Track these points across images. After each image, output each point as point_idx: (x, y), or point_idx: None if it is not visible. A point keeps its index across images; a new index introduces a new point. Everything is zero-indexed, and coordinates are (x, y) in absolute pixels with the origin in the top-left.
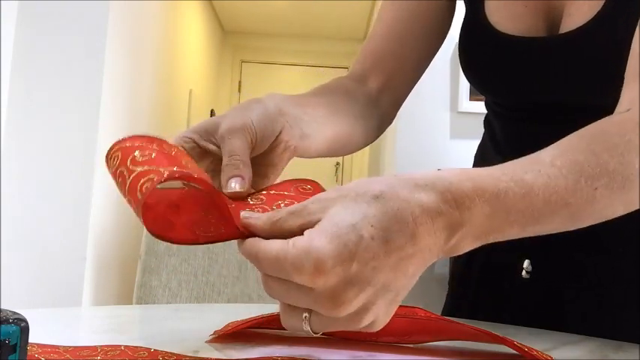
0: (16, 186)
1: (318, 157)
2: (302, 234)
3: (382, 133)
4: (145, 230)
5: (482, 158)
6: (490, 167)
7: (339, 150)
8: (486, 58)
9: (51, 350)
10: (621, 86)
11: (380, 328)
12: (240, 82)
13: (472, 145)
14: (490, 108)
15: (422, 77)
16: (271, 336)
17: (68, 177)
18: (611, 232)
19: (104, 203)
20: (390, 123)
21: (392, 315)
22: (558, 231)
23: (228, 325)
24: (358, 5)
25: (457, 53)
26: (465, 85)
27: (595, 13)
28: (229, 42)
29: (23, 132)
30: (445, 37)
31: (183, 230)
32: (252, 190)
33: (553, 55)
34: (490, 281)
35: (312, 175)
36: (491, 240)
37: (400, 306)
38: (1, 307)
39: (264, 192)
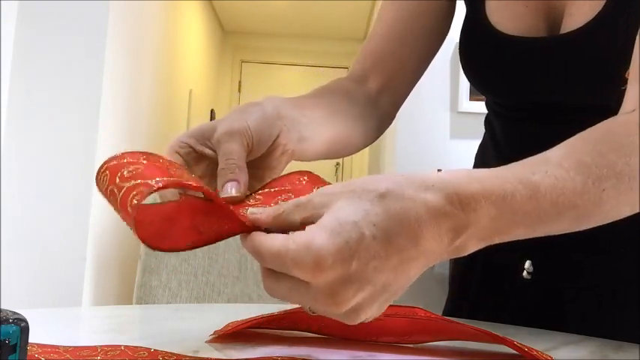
0: (16, 186)
1: (316, 159)
2: (304, 228)
3: (382, 133)
4: None
5: (483, 158)
6: (496, 168)
7: (338, 152)
8: (487, 58)
9: (51, 350)
10: (621, 86)
11: (369, 321)
12: (240, 82)
13: (472, 145)
14: (490, 108)
15: (422, 77)
16: (271, 336)
17: (68, 177)
18: (611, 232)
19: (104, 203)
20: (390, 124)
21: (382, 311)
22: (564, 232)
23: (228, 325)
24: (358, 5)
25: (457, 53)
26: (464, 85)
27: (596, 13)
28: (229, 42)
29: (23, 132)
30: (445, 37)
31: (184, 233)
32: (249, 193)
33: (554, 55)
34: (491, 282)
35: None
36: (496, 241)
37: (400, 306)
38: (1, 307)
39: (259, 191)
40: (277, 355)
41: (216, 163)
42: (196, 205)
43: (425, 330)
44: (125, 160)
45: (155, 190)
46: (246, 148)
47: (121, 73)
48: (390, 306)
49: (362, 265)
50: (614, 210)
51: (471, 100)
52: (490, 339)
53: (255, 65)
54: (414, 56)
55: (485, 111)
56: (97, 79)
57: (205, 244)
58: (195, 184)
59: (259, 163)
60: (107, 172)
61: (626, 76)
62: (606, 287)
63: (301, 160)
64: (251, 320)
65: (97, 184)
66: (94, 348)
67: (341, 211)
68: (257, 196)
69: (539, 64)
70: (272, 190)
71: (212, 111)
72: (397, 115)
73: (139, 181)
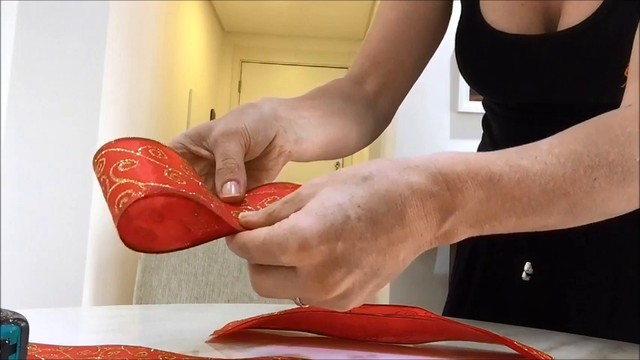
0: (16, 186)
1: (314, 160)
2: None
3: (380, 134)
4: None
5: None
6: (483, 152)
7: (336, 153)
8: (483, 57)
9: (51, 350)
10: (620, 84)
11: (355, 307)
12: (240, 82)
13: (472, 145)
14: (488, 108)
15: (422, 77)
16: (271, 336)
17: (68, 177)
18: (610, 232)
19: (104, 203)
20: (388, 124)
21: (371, 297)
22: (559, 227)
23: (228, 325)
24: (358, 5)
25: None
26: (464, 85)
27: (594, 10)
28: (229, 42)
29: (23, 132)
30: (442, 37)
31: (172, 232)
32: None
33: (551, 53)
34: (491, 282)
35: (312, 175)
36: (487, 230)
37: (400, 306)
38: (1, 307)
39: (245, 194)
40: (277, 355)
41: (213, 165)
42: (187, 203)
43: (425, 330)
44: (122, 150)
45: (143, 197)
46: (244, 149)
47: (121, 74)
48: (390, 306)
49: (348, 246)
50: (608, 203)
51: (471, 100)
52: (490, 339)
53: (255, 65)
54: (412, 57)
55: (484, 111)
56: (97, 79)
57: (193, 245)
58: (186, 192)
59: (256, 165)
60: (104, 159)
61: (626, 74)
62: (606, 287)
63: (299, 161)
64: (251, 320)
65: (94, 167)
66: (94, 348)
67: (325, 195)
68: (244, 199)
69: (536, 62)
70: (258, 193)
71: (212, 111)
72: (397, 115)
73: (131, 181)
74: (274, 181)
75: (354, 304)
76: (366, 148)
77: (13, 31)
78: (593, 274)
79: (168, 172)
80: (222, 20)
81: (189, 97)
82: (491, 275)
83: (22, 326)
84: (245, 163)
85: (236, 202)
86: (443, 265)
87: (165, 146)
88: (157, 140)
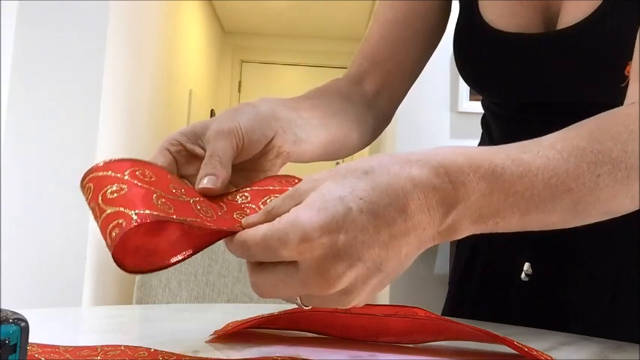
0: (16, 186)
1: (313, 161)
2: None
3: (379, 134)
4: None
5: None
6: (486, 147)
7: (335, 153)
8: (482, 57)
9: (51, 350)
10: (619, 83)
11: (359, 306)
12: (240, 82)
13: (472, 145)
14: (487, 108)
15: (422, 77)
16: (271, 336)
17: (68, 177)
18: (611, 232)
19: None
20: (387, 124)
21: (374, 295)
22: (562, 226)
23: (228, 325)
24: (358, 5)
25: None
26: (465, 85)
27: (594, 9)
28: (229, 42)
29: (23, 132)
30: (441, 36)
31: (174, 237)
32: (234, 190)
33: (550, 52)
34: (491, 282)
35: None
36: (490, 227)
37: (400, 306)
38: (1, 307)
39: (247, 189)
40: (277, 355)
41: None
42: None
43: (425, 330)
44: (110, 173)
45: (136, 226)
46: (235, 149)
47: (121, 74)
48: (390, 306)
49: (350, 238)
50: (612, 201)
51: (471, 100)
52: (490, 339)
53: (255, 65)
54: (411, 57)
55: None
56: (97, 79)
57: (195, 252)
58: (177, 217)
59: (253, 165)
60: (91, 184)
61: (626, 73)
62: (606, 287)
63: (297, 162)
64: (251, 320)
65: (82, 191)
66: (94, 348)
67: (326, 189)
68: (245, 194)
69: (535, 61)
70: (261, 188)
71: (212, 111)
72: (397, 115)
73: (120, 209)
74: (277, 174)
75: (356, 300)
76: (366, 149)
77: (13, 31)
78: (593, 273)
79: (157, 197)
80: (222, 20)
81: (189, 97)
82: (491, 274)
83: (22, 326)
84: (242, 163)
85: (237, 204)
86: (443, 265)
87: (152, 164)
88: (143, 160)
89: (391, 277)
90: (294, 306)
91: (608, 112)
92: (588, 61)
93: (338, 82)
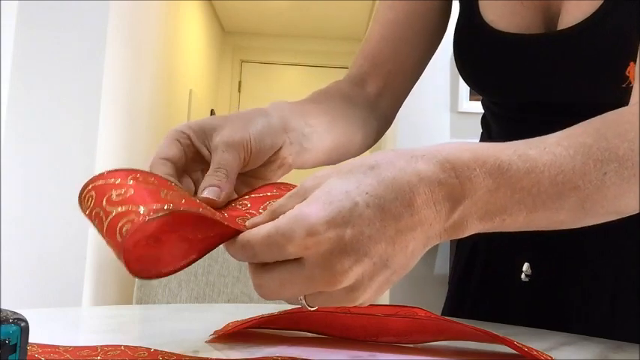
0: (16, 186)
1: (315, 167)
2: None
3: (381, 136)
4: None
5: None
6: (491, 143)
7: (339, 158)
8: (482, 57)
9: (51, 350)
10: (619, 84)
11: (366, 305)
12: (240, 82)
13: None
14: (487, 108)
15: (422, 78)
16: (271, 336)
17: (68, 177)
18: (611, 232)
19: None
20: (389, 125)
21: (382, 294)
22: (570, 225)
23: (228, 325)
24: (358, 5)
25: None
26: (465, 85)
27: (595, 9)
28: (229, 42)
29: (23, 132)
30: (442, 37)
31: (175, 247)
32: (235, 197)
33: (550, 52)
34: (490, 282)
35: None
36: (497, 224)
37: (400, 306)
38: (1, 307)
39: (246, 197)
40: (277, 355)
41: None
42: (187, 218)
43: (425, 330)
44: (112, 181)
45: (147, 221)
46: (242, 162)
47: (121, 73)
48: (390, 306)
49: (356, 233)
50: (619, 200)
51: (471, 100)
52: (490, 339)
53: (255, 65)
54: (412, 57)
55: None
56: (97, 79)
57: (199, 257)
58: (189, 208)
59: (254, 172)
60: (93, 192)
61: (627, 73)
62: (606, 287)
63: (300, 169)
64: (251, 320)
65: (80, 204)
66: (94, 348)
67: (331, 184)
68: (244, 202)
69: (535, 62)
70: (259, 195)
71: (212, 111)
72: (397, 115)
73: (130, 207)
74: (274, 182)
75: (363, 298)
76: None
77: (13, 31)
78: (593, 273)
79: (165, 194)
80: (222, 20)
81: (189, 97)
82: (491, 273)
83: (22, 326)
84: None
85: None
86: (443, 265)
87: (152, 173)
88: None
89: (398, 275)
90: (294, 306)
91: (614, 111)
92: (589, 61)
93: (340, 85)
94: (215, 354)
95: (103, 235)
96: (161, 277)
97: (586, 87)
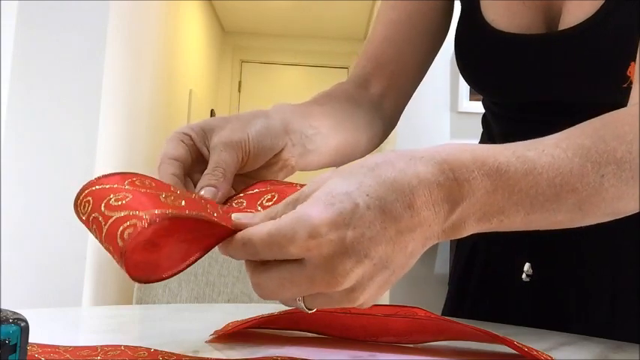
0: (16, 186)
1: (319, 169)
2: None
3: (386, 137)
4: None
5: None
6: (490, 144)
7: (344, 159)
8: (483, 57)
9: (51, 350)
10: (620, 84)
11: (367, 307)
12: (240, 82)
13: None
14: (487, 108)
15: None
16: (271, 336)
17: (68, 177)
18: (611, 232)
19: None
20: (394, 126)
21: (382, 295)
22: (567, 225)
23: (228, 325)
24: (358, 5)
25: None
26: (464, 85)
27: (596, 9)
28: (229, 42)
29: (23, 132)
30: (445, 37)
31: (173, 252)
32: (231, 195)
33: (552, 52)
34: (490, 282)
35: (314, 175)
36: (495, 225)
37: (400, 306)
38: (1, 307)
39: (241, 194)
40: (277, 355)
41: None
42: (185, 221)
43: (425, 330)
44: (109, 185)
45: (150, 225)
46: (240, 162)
47: (121, 73)
48: (390, 306)
49: (357, 235)
50: (617, 202)
51: (471, 100)
52: (490, 339)
53: (255, 65)
54: (415, 58)
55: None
56: (97, 79)
57: (199, 258)
58: (190, 212)
59: (256, 174)
60: (89, 197)
61: (628, 73)
62: (606, 287)
63: (303, 171)
64: (251, 320)
65: (76, 210)
66: (94, 348)
67: (332, 185)
68: (240, 200)
69: (536, 62)
70: (253, 192)
71: (212, 111)
72: None
73: (130, 212)
74: (266, 180)
75: (362, 298)
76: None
77: (13, 31)
78: (593, 273)
79: (165, 197)
80: (222, 20)
81: (189, 97)
82: (491, 273)
83: (22, 326)
84: (245, 174)
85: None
86: (443, 265)
87: (149, 176)
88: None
89: (397, 275)
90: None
91: (613, 112)
92: (590, 61)
93: (344, 86)
94: (215, 354)
95: (101, 241)
96: (162, 280)
97: (587, 87)
